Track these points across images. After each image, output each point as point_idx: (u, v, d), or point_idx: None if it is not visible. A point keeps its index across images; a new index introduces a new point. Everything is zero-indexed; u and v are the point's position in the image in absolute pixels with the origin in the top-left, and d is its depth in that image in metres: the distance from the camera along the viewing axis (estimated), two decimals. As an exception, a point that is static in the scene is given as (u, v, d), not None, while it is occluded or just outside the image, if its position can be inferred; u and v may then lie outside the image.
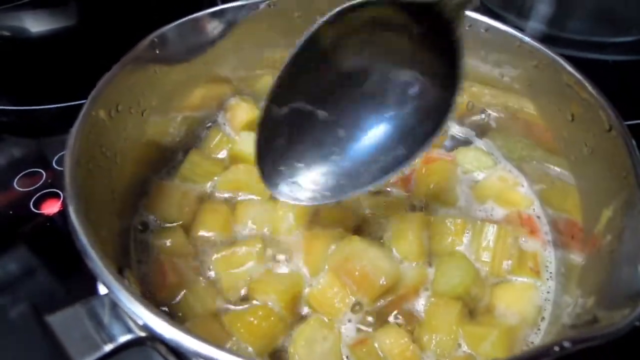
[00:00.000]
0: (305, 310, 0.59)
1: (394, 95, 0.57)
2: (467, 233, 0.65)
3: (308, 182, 0.57)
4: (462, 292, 0.59)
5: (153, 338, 0.42)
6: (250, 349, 0.53)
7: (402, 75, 0.55)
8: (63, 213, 0.54)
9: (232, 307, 0.59)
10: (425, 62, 0.54)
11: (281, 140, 0.57)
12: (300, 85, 0.55)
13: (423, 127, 0.54)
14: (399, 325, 0.58)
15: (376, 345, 0.55)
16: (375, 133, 0.57)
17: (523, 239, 0.66)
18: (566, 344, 0.37)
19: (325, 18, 0.52)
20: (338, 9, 0.52)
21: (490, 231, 0.64)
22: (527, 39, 0.66)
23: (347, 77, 0.56)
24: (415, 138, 0.54)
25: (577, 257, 0.59)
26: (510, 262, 0.63)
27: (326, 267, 0.59)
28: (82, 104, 0.55)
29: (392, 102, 0.57)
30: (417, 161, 0.72)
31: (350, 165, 0.57)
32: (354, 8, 0.52)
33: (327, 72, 0.56)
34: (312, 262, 0.61)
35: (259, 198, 0.69)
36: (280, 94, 0.54)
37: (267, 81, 0.81)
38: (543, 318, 0.60)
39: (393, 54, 0.55)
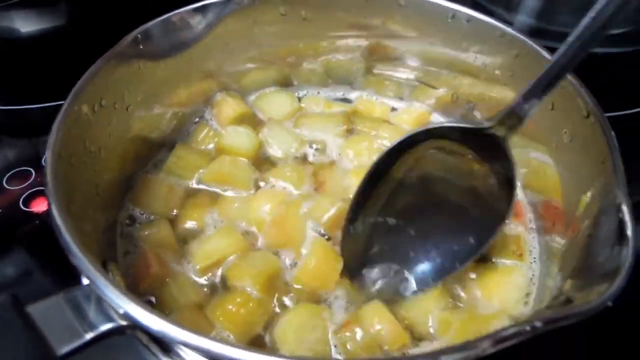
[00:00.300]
0: (287, 295, 0.60)
1: (455, 199, 0.63)
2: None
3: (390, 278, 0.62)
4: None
5: (134, 326, 0.43)
6: (231, 336, 0.54)
7: (461, 182, 0.62)
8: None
9: (214, 297, 0.59)
10: (482, 169, 0.60)
11: (361, 248, 0.64)
12: (370, 203, 0.63)
13: (488, 220, 0.59)
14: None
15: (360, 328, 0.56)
16: (442, 231, 0.62)
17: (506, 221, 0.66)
18: (537, 324, 0.37)
19: (391, 145, 0.60)
20: (401, 137, 0.60)
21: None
22: (508, 29, 0.66)
23: (410, 190, 0.64)
24: (483, 229, 0.59)
25: (559, 243, 0.60)
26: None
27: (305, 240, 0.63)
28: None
29: (454, 206, 0.63)
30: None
31: (426, 260, 0.62)
32: (416, 135, 0.60)
33: (392, 188, 0.63)
34: (290, 241, 0.63)
35: (243, 191, 0.69)
36: (353, 214, 0.63)
37: (253, 76, 0.81)
38: (527, 303, 0.60)
39: (452, 168, 0.62)
